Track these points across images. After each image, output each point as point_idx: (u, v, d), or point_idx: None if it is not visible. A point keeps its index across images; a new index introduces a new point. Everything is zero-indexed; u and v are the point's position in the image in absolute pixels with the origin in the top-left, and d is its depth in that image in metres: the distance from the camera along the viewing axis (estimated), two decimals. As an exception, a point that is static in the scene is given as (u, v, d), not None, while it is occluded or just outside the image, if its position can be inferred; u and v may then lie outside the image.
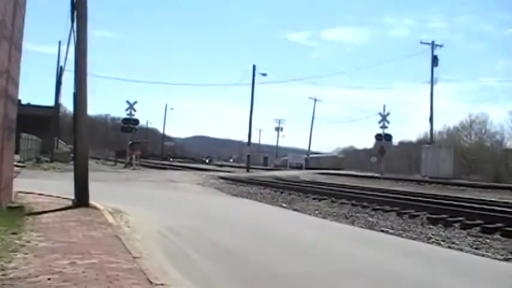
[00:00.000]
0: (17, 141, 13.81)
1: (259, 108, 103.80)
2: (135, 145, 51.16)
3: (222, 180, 33.15)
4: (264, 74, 59.42)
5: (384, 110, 55.53)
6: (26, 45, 12.52)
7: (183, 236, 10.48)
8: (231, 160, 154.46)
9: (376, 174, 49.53)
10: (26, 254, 6.83)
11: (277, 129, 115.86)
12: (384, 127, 54.60)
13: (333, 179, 42.76)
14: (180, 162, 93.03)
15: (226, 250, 9.40)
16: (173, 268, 7.30)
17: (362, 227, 14.68)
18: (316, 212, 18.17)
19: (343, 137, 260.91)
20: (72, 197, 12.92)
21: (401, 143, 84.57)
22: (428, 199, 21.35)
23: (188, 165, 70.79)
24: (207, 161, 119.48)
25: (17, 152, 26.35)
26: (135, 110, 48.38)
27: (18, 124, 12.31)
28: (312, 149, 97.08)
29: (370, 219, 16.22)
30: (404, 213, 16.99)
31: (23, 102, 54.23)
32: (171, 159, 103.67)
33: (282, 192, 25.19)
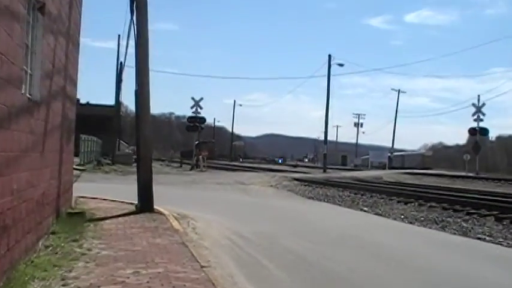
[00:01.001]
0: (76, 142, 14.19)
1: (337, 102, 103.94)
2: (202, 145, 51.70)
3: (296, 182, 33.01)
4: (341, 65, 58.78)
5: (479, 100, 53.65)
6: (83, 40, 12.84)
7: (255, 243, 10.47)
8: (306, 160, 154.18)
9: (470, 174, 48.12)
10: (87, 262, 6.99)
11: (357, 125, 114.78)
12: (478, 120, 52.83)
13: (420, 179, 41.84)
14: (250, 163, 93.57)
15: (301, 258, 9.32)
16: (244, 278, 7.28)
17: (454, 233, 14.27)
18: (402, 216, 17.82)
19: (430, 132, 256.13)
20: (136, 202, 13.17)
21: (499, 138, 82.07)
22: (532, 201, 20.50)
23: (259, 166, 71.08)
24: (279, 161, 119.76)
25: (76, 155, 27.11)
26: (201, 108, 48.90)
27: (77, 125, 12.64)
28: (396, 146, 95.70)
29: (464, 224, 15.73)
30: (505, 218, 16.36)
31: (82, 101, 56.01)
32: (240, 160, 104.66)
33: (363, 195, 24.86)
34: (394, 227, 15.39)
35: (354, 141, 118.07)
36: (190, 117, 49.88)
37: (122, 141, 61.25)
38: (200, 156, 49.11)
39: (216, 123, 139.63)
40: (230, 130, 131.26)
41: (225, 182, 30.86)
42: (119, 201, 14.78)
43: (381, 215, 18.43)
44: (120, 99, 53.09)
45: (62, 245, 8.06)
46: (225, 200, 20.98)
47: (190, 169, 48.21)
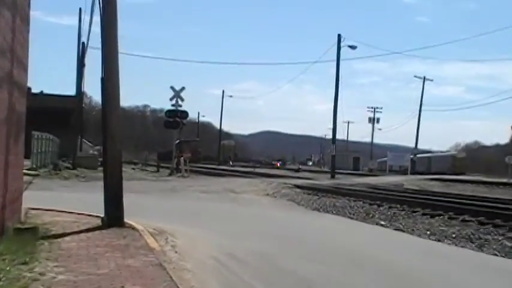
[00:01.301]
0: (27, 141, 14.05)
1: (348, 93, 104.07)
2: (184, 145, 51.77)
3: (298, 190, 33.01)
4: (353, 47, 58.83)
5: (524, 89, 53.59)
6: (33, 14, 12.71)
7: (248, 264, 10.42)
8: (310, 163, 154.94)
9: (514, 181, 48.21)
10: (40, 291, 6.87)
11: (372, 120, 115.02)
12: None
13: (451, 187, 41.91)
14: (242, 166, 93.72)
15: (304, 283, 9.31)
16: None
17: (495, 255, 14.22)
18: (428, 232, 17.80)
19: (464, 129, 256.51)
20: (102, 215, 13.06)
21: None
22: None
23: (253, 170, 71.14)
24: (278, 164, 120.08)
25: (27, 156, 26.91)
26: (182, 99, 48.78)
27: (28, 119, 12.50)
28: (420, 146, 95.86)
29: (508, 243, 15.66)
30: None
31: (34, 90, 55.77)
32: (230, 163, 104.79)
33: (379, 206, 24.82)
34: (418, 245, 15.36)
35: (368, 140, 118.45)
36: (169, 111, 49.80)
37: (84, 140, 61.18)
38: (181, 159, 49.12)
39: (201, 119, 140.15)
40: (218, 127, 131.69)
41: (211, 190, 30.87)
42: (81, 214, 14.67)
43: (401, 230, 18.43)
44: (82, 88, 52.98)
45: (7, 268, 7.92)
46: (211, 212, 21.00)
47: (170, 174, 48.20)
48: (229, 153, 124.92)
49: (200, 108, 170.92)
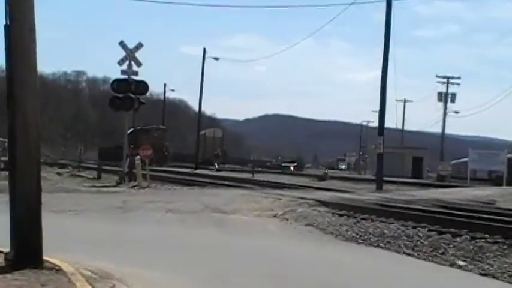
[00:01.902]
0: None
1: (404, 54, 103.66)
2: (142, 136, 51.88)
3: (323, 209, 32.89)
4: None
5: None
6: None
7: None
8: (343, 166, 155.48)
9: None
10: None
11: (444, 98, 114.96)
12: None
13: None
14: (235, 170, 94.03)
15: None
16: None
17: None
18: (538, 280, 17.76)
19: None
20: (6, 249, 13.00)
21: None
22: None
23: (252, 177, 71.26)
24: (291, 167, 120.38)
25: None
26: (139, 64, 48.67)
27: None
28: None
29: None
30: None
31: None
32: (216, 166, 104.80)
33: (455, 235, 24.72)
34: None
35: (437, 130, 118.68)
36: (117, 82, 49.78)
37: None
38: (137, 158, 49.07)
39: (170, 95, 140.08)
40: (196, 108, 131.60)
41: (184, 209, 30.86)
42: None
43: (492, 275, 18.32)
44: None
45: None
46: (183, 244, 21.08)
47: (118, 183, 48.29)
48: (214, 149, 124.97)
49: (168, 78, 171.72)
